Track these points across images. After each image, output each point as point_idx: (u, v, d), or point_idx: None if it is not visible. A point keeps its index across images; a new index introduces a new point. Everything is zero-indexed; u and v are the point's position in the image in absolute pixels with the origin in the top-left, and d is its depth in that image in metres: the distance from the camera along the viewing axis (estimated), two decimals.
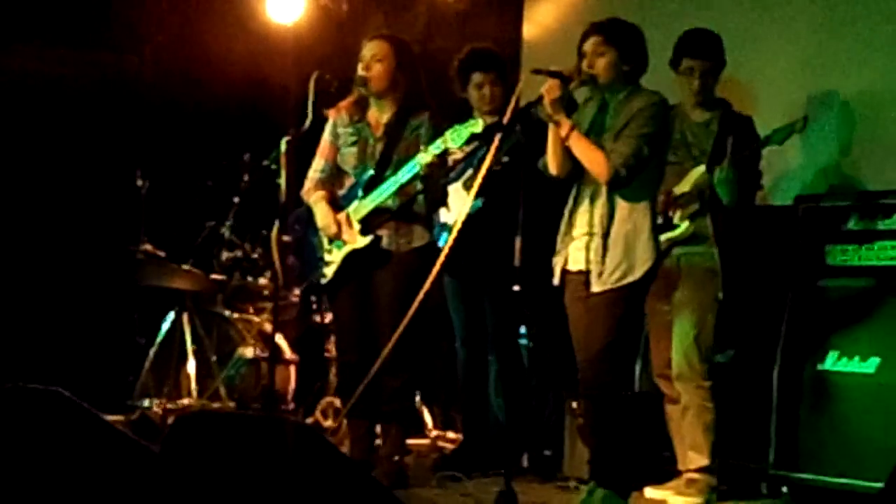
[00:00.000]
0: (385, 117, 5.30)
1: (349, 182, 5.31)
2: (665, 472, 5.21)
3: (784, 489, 5.09)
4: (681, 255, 5.17)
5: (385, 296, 5.15)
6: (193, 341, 6.19)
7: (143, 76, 7.31)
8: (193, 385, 6.11)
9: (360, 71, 5.22)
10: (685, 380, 5.10)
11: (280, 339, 6.29)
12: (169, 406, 6.05)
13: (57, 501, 3.61)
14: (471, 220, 4.85)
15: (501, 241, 5.08)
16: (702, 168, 5.15)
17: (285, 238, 5.41)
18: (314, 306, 6.56)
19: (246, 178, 6.43)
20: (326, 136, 5.38)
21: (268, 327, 6.26)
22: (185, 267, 6.34)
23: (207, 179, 6.68)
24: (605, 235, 4.57)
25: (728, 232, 5.17)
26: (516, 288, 4.46)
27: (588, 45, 4.68)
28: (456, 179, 5.56)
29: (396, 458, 5.23)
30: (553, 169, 4.71)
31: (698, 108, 5.27)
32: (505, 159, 5.33)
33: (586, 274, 4.61)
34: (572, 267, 4.69)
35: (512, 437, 5.55)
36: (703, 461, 5.06)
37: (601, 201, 4.61)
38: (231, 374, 6.26)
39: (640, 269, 4.56)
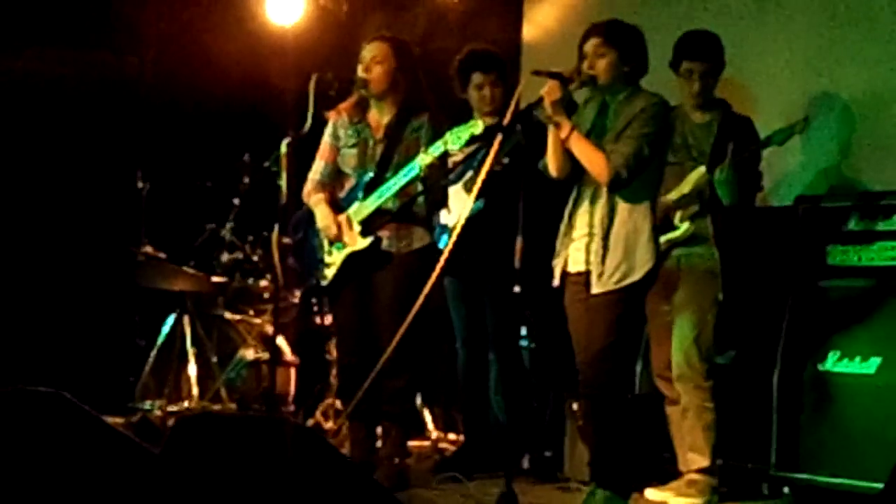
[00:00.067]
0: (385, 119, 5.30)
1: (349, 184, 5.31)
2: (666, 473, 5.20)
3: (785, 490, 5.09)
4: (681, 256, 5.17)
5: (385, 297, 5.15)
6: (194, 343, 6.19)
7: (143, 77, 7.31)
8: (194, 387, 6.11)
9: (360, 72, 5.22)
10: (685, 380, 5.10)
11: (281, 341, 6.29)
12: (170, 408, 6.05)
13: (58, 503, 3.61)
14: (471, 221, 4.85)
15: (502, 243, 5.09)
16: (702, 169, 5.15)
17: (286, 240, 5.40)
18: (315, 308, 6.56)
19: (246, 179, 6.44)
20: (327, 137, 5.38)
21: (268, 329, 6.26)
22: (186, 269, 6.33)
23: (208, 181, 6.68)
24: (606, 237, 4.57)
25: (728, 233, 5.17)
26: (517, 289, 4.46)
27: (588, 47, 4.68)
28: (456, 181, 5.57)
29: (397, 459, 5.23)
30: (553, 170, 4.71)
31: (698, 110, 5.27)
32: (505, 160, 5.34)
33: (586, 275, 4.62)
34: (572, 268, 4.69)
35: (512, 439, 5.55)
36: (704, 462, 5.06)
37: (601, 202, 4.61)
38: (232, 375, 6.26)
39: (641, 271, 4.56)
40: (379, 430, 5.33)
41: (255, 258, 6.44)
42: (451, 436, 6.48)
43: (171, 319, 6.31)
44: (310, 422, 6.17)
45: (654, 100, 4.65)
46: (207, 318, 6.36)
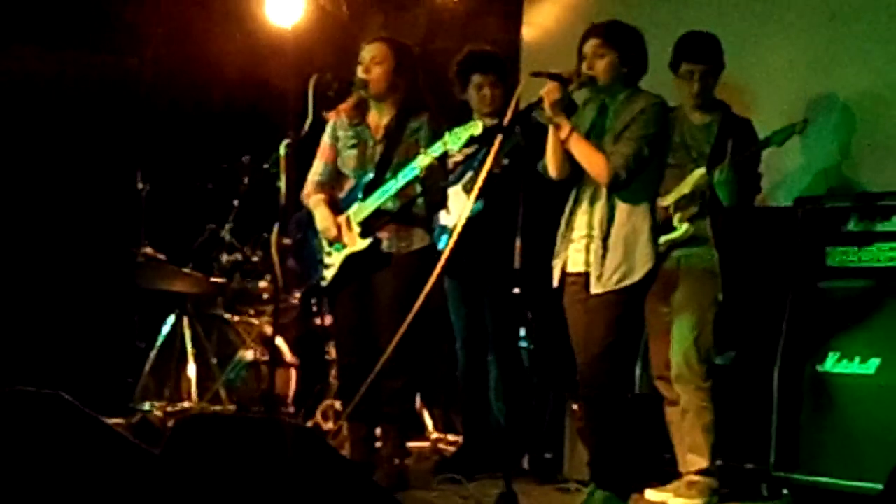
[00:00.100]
0: (385, 120, 5.30)
1: (349, 185, 5.31)
2: (665, 473, 5.21)
3: (785, 491, 5.09)
4: (680, 256, 5.17)
5: (385, 298, 5.15)
6: (194, 344, 6.19)
7: (143, 78, 7.31)
8: (194, 388, 6.12)
9: (360, 73, 5.22)
10: (684, 381, 5.10)
11: (280, 342, 6.29)
12: (169, 409, 6.05)
13: None
14: (471, 221, 4.85)
15: (501, 243, 5.09)
16: (702, 170, 5.15)
17: (285, 241, 5.39)
18: (314, 309, 6.57)
19: (246, 180, 6.44)
20: (326, 138, 5.38)
21: (268, 330, 6.26)
22: (186, 270, 6.34)
23: (208, 182, 6.68)
24: (605, 237, 4.57)
25: (728, 233, 5.17)
26: (516, 290, 4.46)
27: (588, 47, 4.68)
28: (456, 182, 5.57)
29: (397, 460, 5.23)
30: (552, 171, 4.71)
31: (698, 111, 5.27)
32: (505, 161, 5.34)
33: (585, 276, 4.61)
34: (571, 269, 4.69)
35: (512, 439, 5.56)
36: (703, 463, 5.06)
37: (601, 203, 4.61)
38: (231, 376, 6.26)
39: (640, 272, 4.56)
40: (378, 430, 5.33)
41: (255, 259, 6.44)
42: (451, 436, 6.47)
43: (170, 320, 6.31)
44: (309, 423, 6.17)
45: (654, 101, 4.65)
46: (207, 319, 6.36)
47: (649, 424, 5.24)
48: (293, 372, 6.39)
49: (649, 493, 5.10)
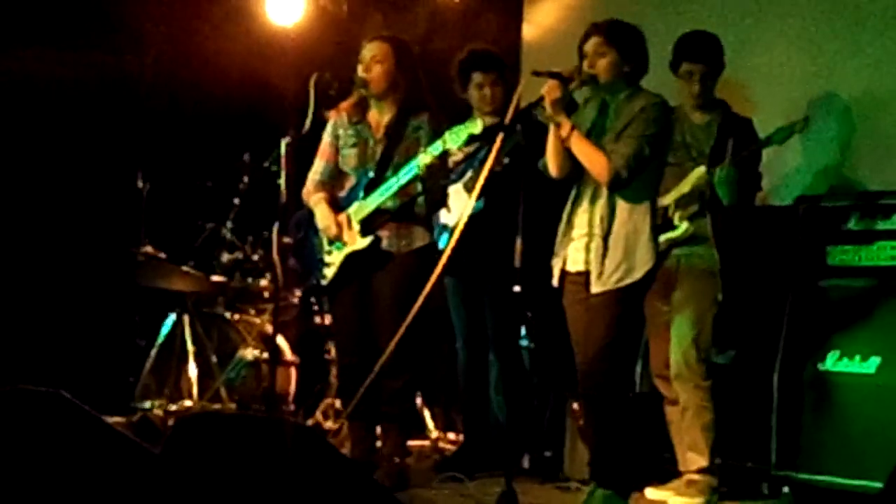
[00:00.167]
0: (385, 118, 5.30)
1: (349, 183, 5.31)
2: (666, 472, 5.21)
3: (785, 489, 5.09)
4: (680, 255, 5.17)
5: (385, 297, 5.15)
6: (194, 343, 6.19)
7: (143, 78, 7.31)
8: (194, 387, 6.11)
9: (360, 72, 5.22)
10: (684, 380, 5.10)
11: (281, 341, 6.29)
12: (170, 408, 6.05)
13: (58, 503, 3.61)
14: (471, 220, 4.85)
15: (502, 242, 5.09)
16: (701, 169, 5.15)
17: (286, 239, 5.40)
18: (315, 308, 6.57)
19: (246, 179, 6.43)
20: (326, 137, 5.38)
21: (268, 329, 6.26)
22: (186, 268, 6.33)
23: (208, 181, 6.68)
24: (605, 236, 4.57)
25: (728, 232, 5.17)
26: (517, 289, 4.46)
27: (589, 46, 4.68)
28: (456, 180, 5.57)
29: (397, 459, 5.23)
30: (553, 170, 4.71)
31: (698, 111, 5.27)
32: (505, 160, 5.34)
33: (586, 275, 4.62)
34: (571, 268, 4.69)
35: (512, 438, 5.55)
36: (703, 462, 5.06)
37: (601, 202, 4.61)
38: (232, 375, 6.26)
39: (640, 271, 4.56)
40: (379, 429, 5.33)
41: (255, 258, 6.43)
42: (451, 435, 6.48)
43: (171, 319, 6.31)
44: (310, 421, 6.17)
45: (655, 100, 4.65)
46: (207, 318, 6.35)
47: (650, 423, 5.24)
48: (293, 371, 6.38)
49: (649, 492, 5.11)
